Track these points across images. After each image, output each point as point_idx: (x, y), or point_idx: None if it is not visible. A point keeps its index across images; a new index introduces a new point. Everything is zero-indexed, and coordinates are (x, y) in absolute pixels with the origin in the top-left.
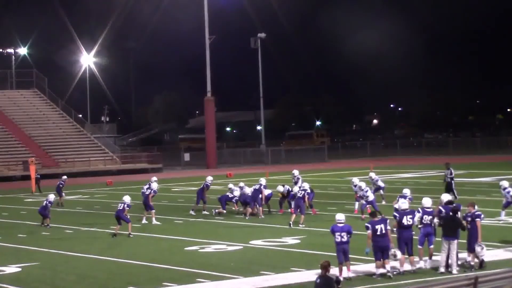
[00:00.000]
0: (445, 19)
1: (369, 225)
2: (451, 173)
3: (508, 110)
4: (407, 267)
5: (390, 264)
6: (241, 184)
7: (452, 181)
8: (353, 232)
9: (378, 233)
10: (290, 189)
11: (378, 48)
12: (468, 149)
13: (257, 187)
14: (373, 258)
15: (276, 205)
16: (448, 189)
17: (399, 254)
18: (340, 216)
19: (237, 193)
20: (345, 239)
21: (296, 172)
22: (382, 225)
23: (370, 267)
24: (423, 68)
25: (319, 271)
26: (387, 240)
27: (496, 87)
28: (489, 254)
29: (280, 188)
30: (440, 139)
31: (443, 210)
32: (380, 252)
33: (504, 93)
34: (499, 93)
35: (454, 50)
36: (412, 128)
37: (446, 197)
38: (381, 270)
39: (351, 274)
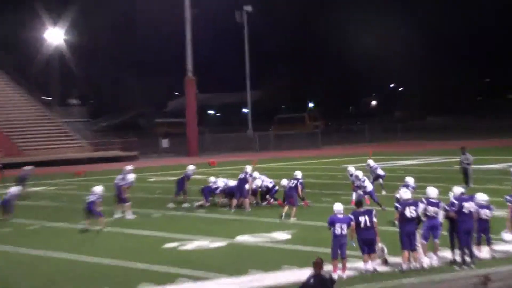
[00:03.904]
0: None
1: (352, 217)
2: (467, 159)
3: None
4: (408, 264)
5: (377, 260)
6: (224, 179)
7: (469, 167)
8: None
9: (362, 225)
10: (273, 183)
11: (376, 21)
12: (475, 133)
13: (242, 176)
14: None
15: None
16: (465, 176)
17: (385, 249)
18: (339, 206)
19: (221, 183)
20: (345, 231)
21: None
22: (367, 217)
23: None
24: (425, 44)
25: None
26: (373, 233)
27: (507, 64)
28: (500, 248)
29: (284, 182)
30: (445, 122)
31: (456, 202)
32: (366, 246)
33: None
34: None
35: (459, 25)
36: (414, 110)
37: (458, 189)
38: (369, 265)
39: (346, 274)
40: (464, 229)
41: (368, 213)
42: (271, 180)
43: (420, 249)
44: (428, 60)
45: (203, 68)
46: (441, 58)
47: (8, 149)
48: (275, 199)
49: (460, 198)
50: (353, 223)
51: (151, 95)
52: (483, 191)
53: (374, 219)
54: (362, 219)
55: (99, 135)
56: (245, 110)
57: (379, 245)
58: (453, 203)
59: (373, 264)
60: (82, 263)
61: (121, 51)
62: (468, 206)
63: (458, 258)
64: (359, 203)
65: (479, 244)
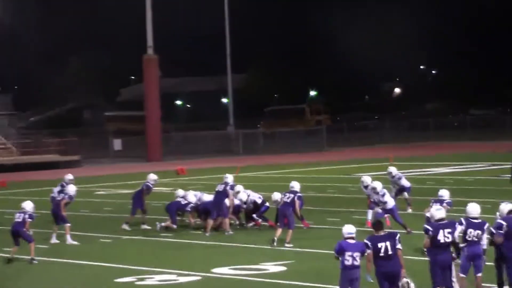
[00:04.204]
0: None
1: (369, 242)
2: None
3: None
4: None
5: None
6: (196, 193)
7: None
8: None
9: (382, 254)
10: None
11: None
12: None
13: (221, 188)
14: None
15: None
16: None
17: (412, 285)
18: (351, 229)
19: (192, 198)
20: (357, 262)
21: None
22: (388, 243)
23: None
24: (467, 15)
25: None
26: (396, 265)
27: None
28: None
29: (277, 196)
30: (492, 116)
31: (504, 224)
32: (386, 281)
33: None
34: None
35: None
36: (452, 101)
37: (507, 206)
38: None
39: None
40: None
41: (391, 238)
42: (259, 194)
43: (457, 286)
44: (473, 37)
45: (169, 45)
46: (489, 30)
47: None
48: (265, 219)
49: (510, 218)
50: (369, 251)
51: (98, 79)
52: None
53: (398, 246)
54: (381, 245)
55: (27, 134)
56: (224, 100)
57: (404, 280)
58: (501, 224)
59: None
60: None
61: (59, 26)
62: None
63: None
64: (378, 224)
65: None
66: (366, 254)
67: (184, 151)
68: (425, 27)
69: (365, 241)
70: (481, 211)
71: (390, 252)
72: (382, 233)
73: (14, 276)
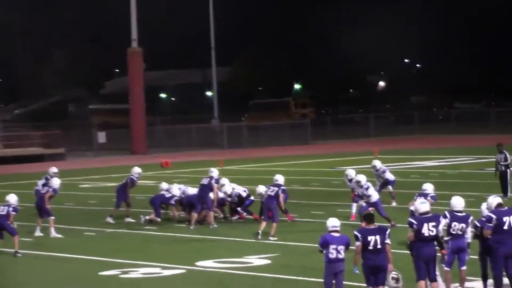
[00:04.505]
0: None
1: (359, 234)
2: (506, 159)
3: None
4: None
5: None
6: (180, 186)
7: (508, 170)
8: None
9: (371, 247)
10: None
11: None
12: None
13: (206, 181)
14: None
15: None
16: (503, 181)
17: (401, 277)
18: (335, 222)
19: (177, 191)
20: (342, 255)
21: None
22: (378, 237)
23: None
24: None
25: None
26: (383, 259)
27: None
28: None
29: (262, 189)
30: (477, 110)
31: (494, 217)
32: (373, 274)
33: None
34: None
35: None
36: (437, 95)
37: (495, 200)
38: None
39: None
40: (504, 253)
41: (381, 232)
42: (244, 187)
43: (440, 279)
44: (458, 30)
45: (153, 38)
46: (476, 23)
47: None
48: (249, 213)
49: (499, 212)
50: (358, 244)
51: (83, 72)
52: None
53: (387, 241)
54: (371, 239)
55: (11, 127)
56: (209, 94)
57: (393, 274)
58: (490, 217)
59: None
60: None
61: (43, 17)
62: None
63: None
64: (369, 217)
65: None
66: (355, 245)
67: (168, 144)
68: (409, 20)
69: (355, 232)
70: (465, 204)
71: (379, 246)
72: (372, 226)
73: None
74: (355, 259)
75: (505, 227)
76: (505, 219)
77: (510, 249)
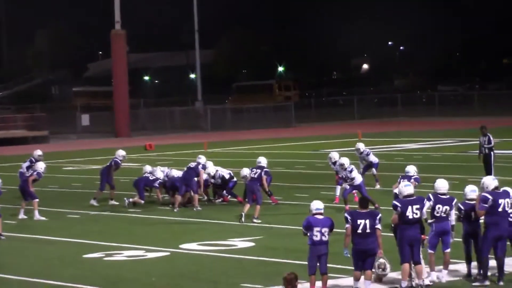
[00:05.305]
0: None
1: (349, 217)
2: (489, 141)
3: None
4: (409, 281)
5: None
6: (164, 168)
7: (492, 153)
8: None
9: (360, 230)
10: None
11: None
12: (501, 107)
13: (193, 165)
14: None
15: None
16: (487, 164)
17: (388, 267)
18: (319, 205)
19: (160, 174)
20: (326, 237)
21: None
22: (368, 221)
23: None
24: None
25: None
26: (372, 243)
27: None
28: None
29: (245, 172)
30: (460, 93)
31: (490, 198)
32: (360, 259)
33: None
34: None
35: None
36: (420, 77)
37: (491, 181)
38: (360, 285)
39: None
40: (496, 235)
41: (371, 216)
42: (229, 170)
43: (423, 262)
44: (441, 13)
45: (136, 20)
46: (458, 5)
47: None
48: (233, 195)
49: (495, 193)
50: (348, 226)
51: (66, 55)
52: (509, 184)
53: (378, 226)
54: (361, 222)
55: None
56: (192, 76)
57: (381, 260)
58: (487, 198)
59: (366, 284)
60: None
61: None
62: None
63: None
64: (363, 202)
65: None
66: (345, 227)
67: (152, 127)
68: (392, 2)
69: (346, 215)
70: (449, 187)
71: (368, 231)
72: (364, 210)
73: None
74: (345, 241)
75: (500, 209)
76: (501, 201)
77: (502, 231)
